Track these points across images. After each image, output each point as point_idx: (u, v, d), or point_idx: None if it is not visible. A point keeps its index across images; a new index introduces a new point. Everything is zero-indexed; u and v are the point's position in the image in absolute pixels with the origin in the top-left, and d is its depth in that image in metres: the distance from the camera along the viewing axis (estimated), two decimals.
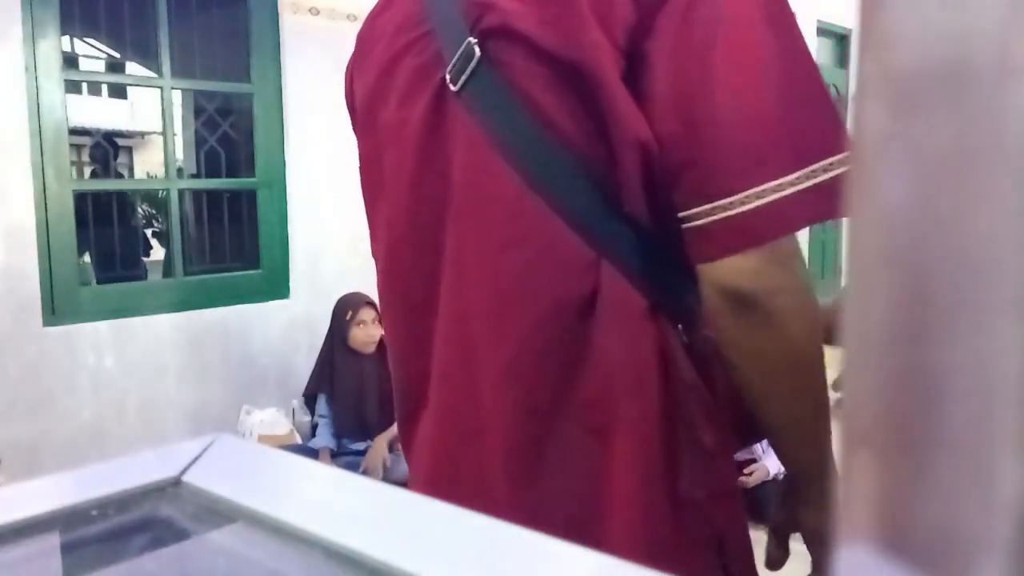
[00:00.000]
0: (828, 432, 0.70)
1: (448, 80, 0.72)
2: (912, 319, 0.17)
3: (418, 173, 0.76)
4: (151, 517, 0.45)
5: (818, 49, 6.22)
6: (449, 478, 0.78)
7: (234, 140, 3.55)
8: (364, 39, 0.85)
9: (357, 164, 0.89)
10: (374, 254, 0.88)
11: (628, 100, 0.65)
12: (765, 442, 3.25)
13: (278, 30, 3.25)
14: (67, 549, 0.45)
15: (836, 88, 6.35)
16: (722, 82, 0.62)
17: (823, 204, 0.61)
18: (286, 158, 3.29)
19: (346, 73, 0.89)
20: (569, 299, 0.69)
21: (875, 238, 0.18)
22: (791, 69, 0.64)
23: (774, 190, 0.61)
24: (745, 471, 3.14)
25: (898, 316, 0.17)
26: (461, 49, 0.70)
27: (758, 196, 0.61)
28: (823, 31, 6.25)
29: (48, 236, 2.71)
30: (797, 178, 0.61)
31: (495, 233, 0.71)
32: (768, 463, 3.16)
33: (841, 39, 6.51)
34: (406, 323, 0.82)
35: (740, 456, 3.20)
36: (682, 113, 0.64)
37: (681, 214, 0.66)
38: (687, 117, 0.64)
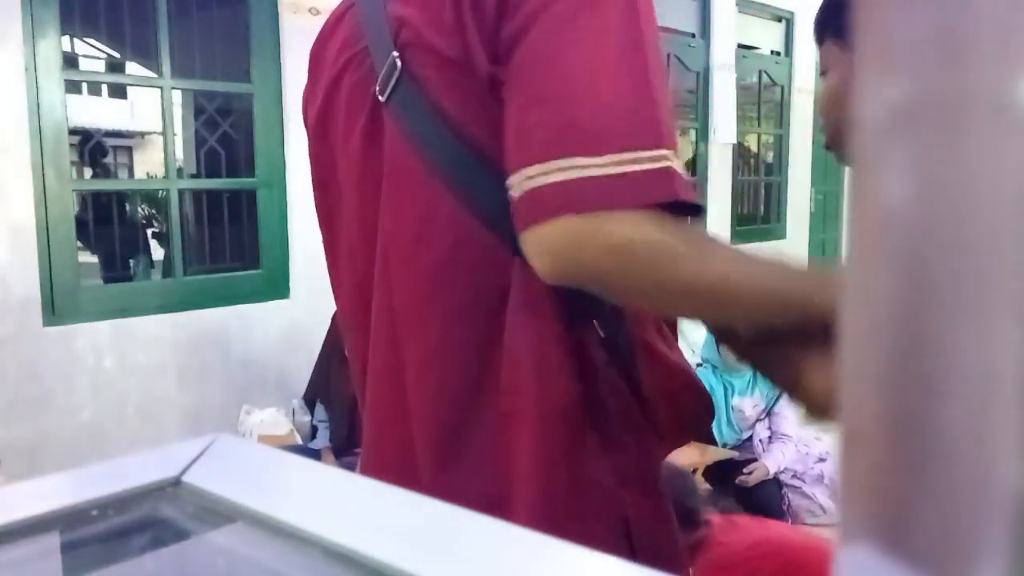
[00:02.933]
0: (776, 289, 0.68)
1: (377, 92, 0.76)
2: (911, 319, 0.17)
3: (360, 183, 0.81)
4: (151, 517, 0.45)
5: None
6: (378, 459, 0.83)
7: (234, 140, 3.55)
8: (315, 63, 0.90)
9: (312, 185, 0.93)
10: (330, 268, 0.94)
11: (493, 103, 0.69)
12: (765, 441, 3.24)
13: (278, 30, 3.25)
14: (67, 549, 0.45)
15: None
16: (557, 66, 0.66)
17: (628, 191, 0.63)
18: (286, 158, 3.29)
19: (303, 98, 0.94)
20: (482, 294, 0.73)
21: (875, 237, 0.18)
22: (624, 59, 0.66)
23: (580, 167, 0.63)
24: (745, 470, 3.15)
25: (897, 315, 0.17)
26: (387, 62, 0.75)
27: (560, 170, 0.63)
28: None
29: (48, 236, 2.71)
30: (605, 162, 0.63)
31: (413, 233, 0.75)
32: (768, 463, 3.16)
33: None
34: (354, 320, 0.87)
35: (740, 456, 3.20)
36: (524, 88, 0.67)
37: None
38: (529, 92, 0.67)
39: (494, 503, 0.71)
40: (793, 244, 5.96)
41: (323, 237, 0.94)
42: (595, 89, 0.65)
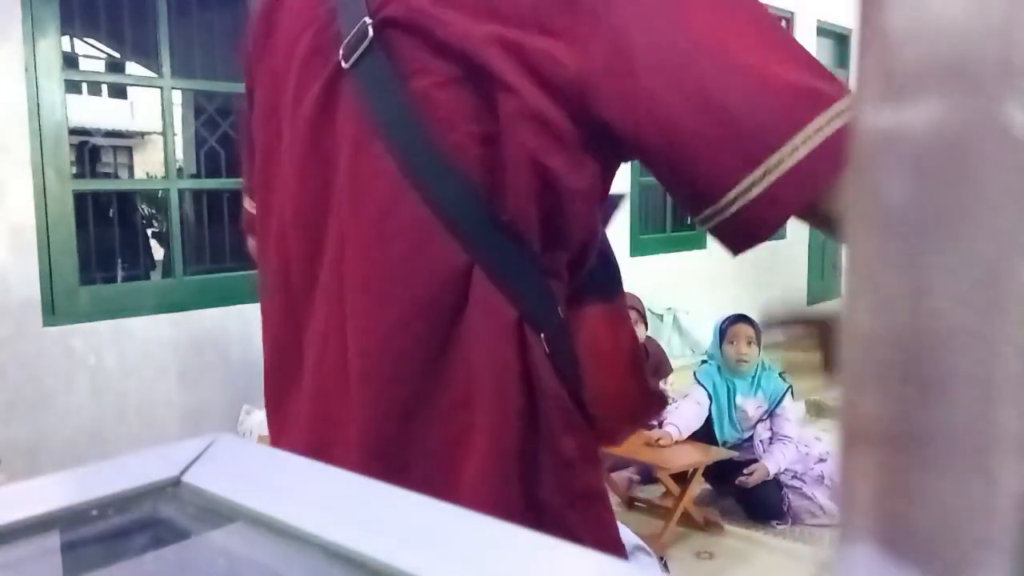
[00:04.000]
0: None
1: (341, 56, 0.70)
2: (911, 318, 0.17)
3: (307, 153, 0.75)
4: (151, 517, 0.45)
5: (818, 49, 6.21)
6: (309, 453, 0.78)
7: (234, 140, 3.55)
8: (266, 13, 0.81)
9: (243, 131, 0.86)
10: (257, 229, 0.86)
11: (534, 114, 0.65)
12: (766, 442, 3.24)
13: None
14: (67, 549, 0.45)
15: None
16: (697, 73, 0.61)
17: (827, 163, 0.59)
18: None
19: (244, 52, 0.86)
20: (437, 302, 0.69)
21: (875, 238, 0.18)
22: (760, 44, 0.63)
23: (775, 166, 0.60)
24: (745, 471, 3.15)
25: (897, 315, 0.17)
26: (356, 27, 0.69)
27: (755, 184, 0.61)
28: (823, 31, 6.24)
29: (48, 236, 2.71)
30: (795, 146, 0.60)
31: (370, 225, 0.70)
32: (768, 463, 3.16)
33: (841, 39, 6.51)
34: (284, 302, 0.81)
35: (741, 456, 3.20)
36: (662, 117, 0.62)
37: (695, 218, 0.66)
38: (668, 120, 0.62)
39: None
40: (793, 244, 5.96)
41: (256, 207, 0.86)
42: (759, 70, 0.60)
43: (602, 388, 0.75)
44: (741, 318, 3.33)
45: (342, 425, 0.74)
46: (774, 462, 3.18)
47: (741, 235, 0.65)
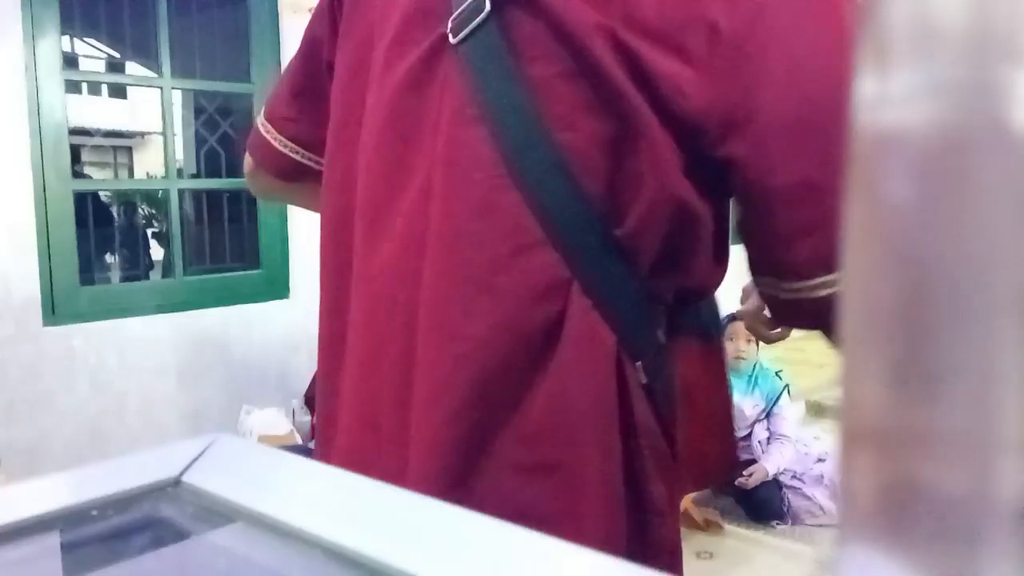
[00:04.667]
0: None
1: (449, 29, 0.63)
2: (911, 318, 0.17)
3: (386, 125, 0.67)
4: (151, 517, 0.45)
5: None
6: (361, 464, 0.68)
7: (234, 140, 3.55)
8: None
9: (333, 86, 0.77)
10: (326, 184, 0.78)
11: (668, 136, 0.58)
12: (764, 442, 3.23)
13: (278, 30, 3.25)
14: (67, 549, 0.45)
15: None
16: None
17: None
18: None
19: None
20: (529, 319, 0.60)
21: (875, 238, 0.18)
22: None
23: None
24: (744, 472, 3.15)
25: (897, 315, 0.17)
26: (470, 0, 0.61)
27: None
28: None
29: (48, 236, 2.71)
30: None
31: (463, 221, 0.62)
32: (767, 464, 3.16)
33: None
34: (338, 279, 0.74)
35: (740, 456, 3.20)
36: (799, 170, 0.57)
37: (799, 284, 0.60)
38: (805, 176, 0.56)
39: None
40: None
41: (328, 159, 0.76)
42: None
43: (691, 435, 0.67)
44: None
45: (396, 442, 0.65)
46: (773, 463, 3.18)
47: (788, 312, 0.61)
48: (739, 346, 3.28)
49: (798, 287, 0.60)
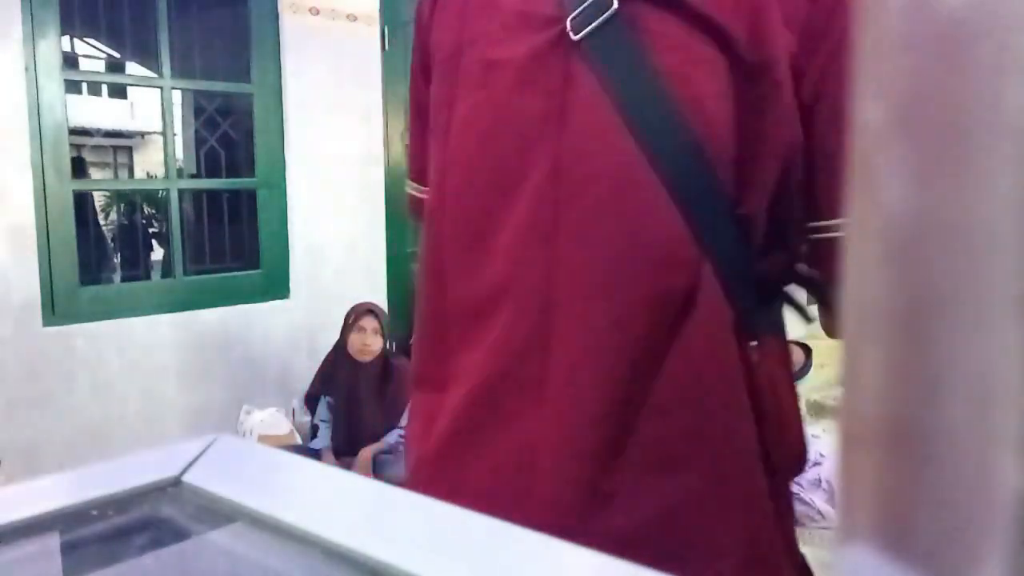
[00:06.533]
0: None
1: (568, 28, 0.66)
2: (911, 318, 0.17)
3: (499, 121, 0.70)
4: (151, 517, 0.45)
5: None
6: (472, 467, 0.70)
7: (234, 140, 3.55)
8: None
9: (419, 101, 0.82)
10: (435, 188, 0.79)
11: (795, 111, 0.63)
12: None
13: (278, 30, 3.25)
14: (67, 549, 0.45)
15: None
16: None
17: None
18: (286, 158, 3.29)
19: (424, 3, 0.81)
20: (665, 294, 0.64)
21: (875, 237, 0.18)
22: None
23: None
24: None
25: (897, 315, 0.17)
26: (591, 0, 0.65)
27: None
28: None
29: (48, 236, 2.71)
30: None
31: (598, 203, 0.65)
32: None
33: None
34: (436, 263, 0.75)
35: None
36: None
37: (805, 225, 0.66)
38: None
39: (673, 548, 0.63)
40: None
41: (434, 154, 0.77)
42: None
43: (776, 423, 0.70)
44: None
45: (520, 418, 0.68)
46: None
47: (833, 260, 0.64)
48: None
49: (824, 226, 0.65)
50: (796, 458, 0.75)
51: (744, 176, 0.64)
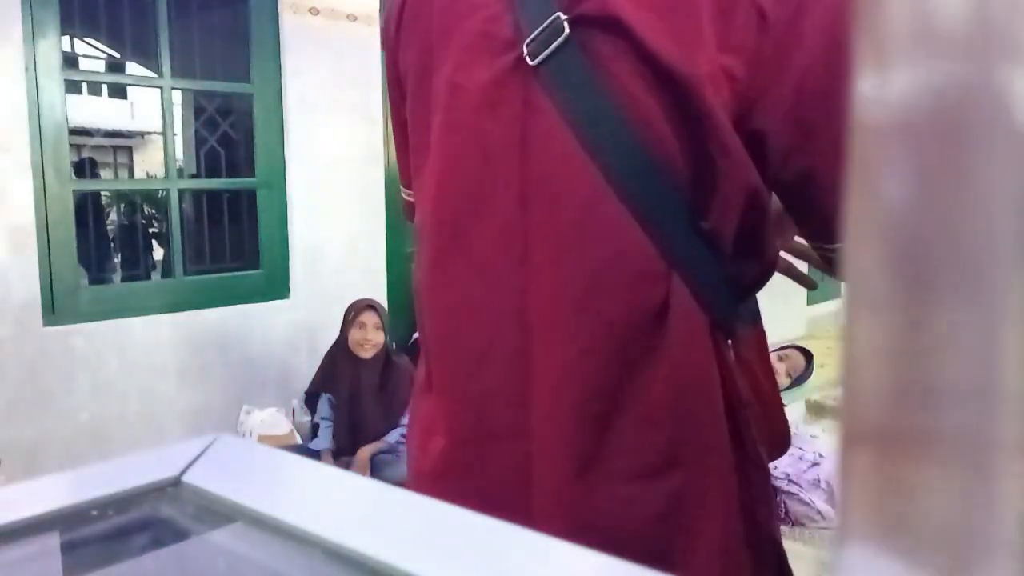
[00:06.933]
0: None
1: (525, 53, 0.68)
2: (911, 318, 0.17)
3: (465, 144, 0.72)
4: (151, 517, 0.45)
5: None
6: (475, 474, 0.73)
7: (234, 140, 3.55)
8: None
9: (391, 114, 0.85)
10: (418, 203, 0.82)
11: (739, 146, 0.65)
12: None
13: (278, 30, 3.25)
14: (67, 549, 0.45)
15: None
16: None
17: None
18: (286, 158, 3.29)
19: (391, 14, 0.82)
20: (639, 308, 0.67)
21: (875, 237, 0.18)
22: None
23: None
24: None
25: (897, 315, 0.17)
26: (546, 23, 0.67)
27: None
28: None
29: (48, 236, 2.71)
30: None
31: (568, 227, 0.68)
32: None
33: None
34: (445, 279, 0.77)
35: None
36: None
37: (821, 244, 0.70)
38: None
39: (656, 545, 0.67)
40: None
41: (413, 171, 0.81)
42: None
43: (760, 409, 0.74)
44: None
45: (513, 434, 0.70)
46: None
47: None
48: None
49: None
50: (781, 437, 0.79)
51: (701, 192, 0.67)
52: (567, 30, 0.66)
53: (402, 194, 0.94)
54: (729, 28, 0.63)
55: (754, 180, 0.66)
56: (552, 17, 0.66)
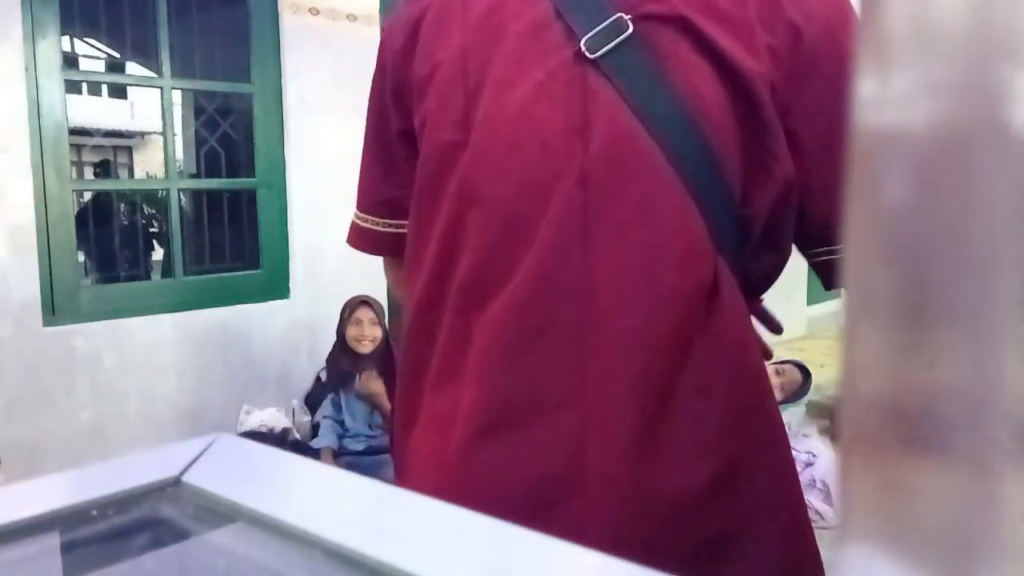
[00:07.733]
0: None
1: (584, 48, 0.72)
2: (911, 318, 0.17)
3: (526, 132, 0.73)
4: (151, 517, 0.45)
5: None
6: (523, 444, 0.72)
7: (234, 140, 3.55)
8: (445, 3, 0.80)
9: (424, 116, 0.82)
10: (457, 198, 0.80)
11: (782, 139, 0.71)
12: None
13: (278, 30, 3.25)
14: (67, 549, 0.45)
15: None
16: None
17: None
18: (286, 158, 3.29)
19: (401, 25, 0.84)
20: (694, 283, 0.71)
21: (875, 238, 0.18)
22: None
23: None
24: None
25: (897, 316, 0.17)
26: (607, 23, 0.72)
27: None
28: None
29: (48, 236, 2.71)
30: None
31: (631, 203, 0.71)
32: None
33: None
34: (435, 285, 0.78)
35: None
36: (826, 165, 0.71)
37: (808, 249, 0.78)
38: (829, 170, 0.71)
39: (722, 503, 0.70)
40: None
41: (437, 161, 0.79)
42: None
43: None
44: None
45: (565, 407, 0.71)
46: None
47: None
48: None
49: (829, 251, 0.76)
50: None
51: (748, 182, 0.72)
52: (631, 28, 0.71)
53: (355, 218, 0.94)
54: (772, 40, 0.70)
55: (792, 173, 0.72)
56: (614, 17, 0.71)
